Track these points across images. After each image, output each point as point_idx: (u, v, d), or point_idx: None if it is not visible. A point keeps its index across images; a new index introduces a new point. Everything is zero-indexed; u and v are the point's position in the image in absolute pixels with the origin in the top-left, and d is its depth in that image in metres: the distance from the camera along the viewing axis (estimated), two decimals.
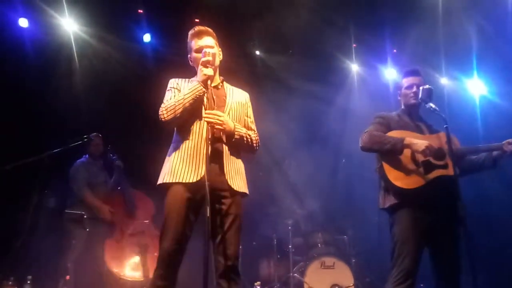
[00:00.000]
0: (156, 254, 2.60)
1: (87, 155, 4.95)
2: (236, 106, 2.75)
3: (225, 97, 2.76)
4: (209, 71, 2.58)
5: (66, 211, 4.63)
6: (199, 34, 2.76)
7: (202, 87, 2.57)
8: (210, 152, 2.46)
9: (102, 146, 4.99)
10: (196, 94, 2.57)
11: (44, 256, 4.74)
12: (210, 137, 2.50)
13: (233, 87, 2.89)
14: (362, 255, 5.55)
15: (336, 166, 6.08)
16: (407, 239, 2.85)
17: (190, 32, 2.80)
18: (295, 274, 5.16)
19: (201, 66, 2.60)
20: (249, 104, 2.88)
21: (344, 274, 5.01)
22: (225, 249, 2.52)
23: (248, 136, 2.72)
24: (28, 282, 4.26)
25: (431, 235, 2.89)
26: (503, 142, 2.96)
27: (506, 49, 5.78)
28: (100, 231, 4.63)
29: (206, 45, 2.71)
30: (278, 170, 6.30)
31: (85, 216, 4.59)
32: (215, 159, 2.56)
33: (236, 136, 2.63)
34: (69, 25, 5.72)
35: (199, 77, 2.60)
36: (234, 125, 2.64)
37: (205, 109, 2.59)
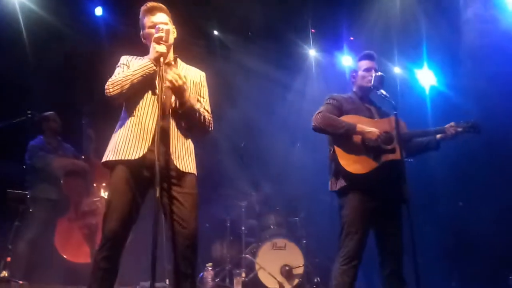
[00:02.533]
0: None
1: (41, 136, 4.74)
2: (189, 85, 2.65)
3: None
4: (161, 48, 2.50)
5: (9, 190, 4.44)
6: (152, 10, 2.67)
7: (152, 65, 2.49)
8: (157, 130, 2.36)
9: (59, 125, 4.81)
10: (146, 71, 2.49)
11: None
12: (160, 113, 2.39)
13: (188, 65, 2.80)
14: (313, 237, 5.67)
15: (291, 149, 6.14)
16: (354, 221, 2.94)
17: (142, 8, 2.69)
18: (247, 255, 5.22)
19: (154, 43, 2.51)
20: (204, 84, 2.79)
21: (294, 255, 5.11)
22: (181, 228, 2.44)
23: (202, 113, 2.64)
24: None
25: (377, 218, 3.00)
26: (445, 126, 3.10)
27: (454, 42, 6.00)
28: (56, 213, 4.52)
29: (159, 21, 2.62)
30: (233, 152, 6.29)
31: (28, 196, 4.42)
32: (162, 137, 2.46)
33: (188, 105, 2.53)
34: None
35: (151, 54, 2.53)
36: (190, 95, 2.57)
37: (155, 87, 2.51)
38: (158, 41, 2.51)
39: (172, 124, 2.55)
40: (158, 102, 2.43)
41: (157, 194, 2.23)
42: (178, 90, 2.47)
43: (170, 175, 2.51)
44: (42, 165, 4.53)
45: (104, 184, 4.74)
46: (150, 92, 2.55)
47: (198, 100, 2.71)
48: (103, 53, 5.24)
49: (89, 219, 4.54)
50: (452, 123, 3.09)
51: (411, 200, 2.73)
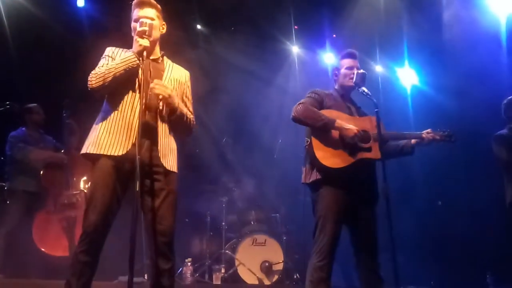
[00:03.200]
0: None
1: (23, 128, 4.66)
2: (173, 84, 2.67)
3: (163, 71, 2.68)
4: (144, 42, 2.49)
5: None
6: (140, 4, 2.66)
7: (136, 58, 2.48)
8: (142, 126, 2.36)
9: (42, 117, 4.73)
10: (129, 65, 2.47)
11: None
12: (144, 109, 2.40)
13: (174, 63, 2.80)
14: (293, 233, 5.70)
15: (273, 145, 6.15)
16: (328, 216, 2.94)
17: (134, 1, 2.69)
18: (227, 251, 5.22)
19: (137, 37, 2.51)
20: (189, 84, 2.81)
21: (274, 251, 5.12)
22: (158, 225, 2.46)
23: (188, 116, 2.67)
24: None
25: (350, 214, 3.00)
26: (422, 132, 3.15)
27: (435, 41, 6.08)
28: (34, 205, 4.47)
29: (145, 15, 2.61)
30: (215, 147, 6.28)
31: (5, 188, 4.37)
32: (147, 133, 2.48)
33: (178, 113, 2.57)
34: None
35: (134, 47, 2.52)
36: (178, 101, 2.59)
37: (139, 82, 2.51)
38: (141, 35, 2.50)
39: (159, 121, 2.55)
40: (140, 98, 2.42)
41: (137, 188, 2.23)
42: (168, 101, 2.50)
43: (154, 171, 2.52)
44: (21, 156, 4.46)
45: (85, 178, 4.69)
46: (135, 87, 2.54)
47: (183, 100, 2.72)
48: (86, 45, 5.16)
49: (68, 212, 4.50)
50: (429, 130, 3.14)
51: (390, 199, 2.74)
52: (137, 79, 2.53)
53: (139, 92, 2.48)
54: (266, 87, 6.75)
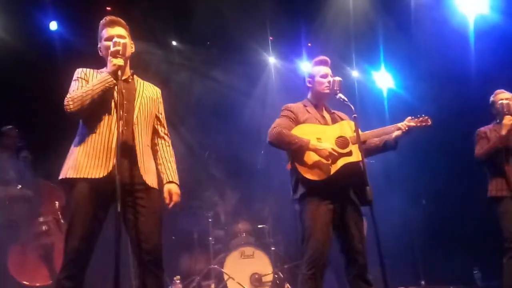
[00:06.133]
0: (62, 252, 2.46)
1: None
2: (146, 101, 2.67)
3: (135, 91, 2.67)
4: (119, 61, 2.47)
5: None
6: (110, 24, 2.65)
7: (112, 78, 2.46)
8: (121, 145, 2.35)
9: (17, 140, 4.61)
10: (106, 86, 2.46)
11: None
12: (121, 130, 2.39)
13: (144, 81, 2.79)
14: (281, 243, 5.68)
15: (255, 156, 6.15)
16: (314, 226, 2.94)
17: (102, 22, 2.68)
18: (215, 266, 5.17)
19: (111, 57, 2.49)
20: (161, 100, 2.81)
21: (263, 263, 5.11)
22: (144, 243, 2.43)
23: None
24: None
25: (337, 221, 3.00)
26: (398, 124, 3.13)
27: (409, 43, 6.19)
28: (4, 237, 4.31)
29: (117, 34, 2.60)
30: (197, 163, 6.25)
31: None
32: (126, 153, 2.46)
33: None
34: None
35: (109, 67, 2.49)
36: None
37: (115, 103, 2.50)
38: (115, 54, 2.49)
39: (138, 139, 2.55)
40: (117, 119, 2.42)
41: (118, 209, 2.21)
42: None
43: (136, 189, 2.50)
44: None
45: (57, 203, 4.60)
46: (111, 108, 2.52)
47: (156, 117, 2.75)
48: (58, 68, 5.10)
49: (43, 240, 4.39)
50: (409, 118, 3.14)
51: (373, 202, 2.76)
52: (112, 100, 2.52)
53: (116, 113, 2.46)
54: (245, 99, 6.77)
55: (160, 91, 2.84)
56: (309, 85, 3.32)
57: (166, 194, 2.63)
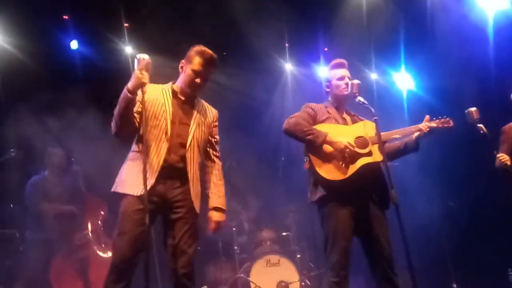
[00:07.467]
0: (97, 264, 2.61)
1: (45, 172, 4.78)
2: (202, 128, 2.74)
3: (192, 114, 2.73)
4: (144, 78, 2.46)
5: None
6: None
7: (127, 91, 2.47)
8: (168, 167, 2.53)
9: (62, 157, 4.84)
10: (123, 97, 2.50)
11: None
12: (169, 154, 2.55)
13: (206, 104, 2.87)
14: (306, 250, 5.64)
15: (276, 164, 6.14)
16: (336, 231, 2.90)
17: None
18: (242, 275, 5.17)
19: (137, 71, 2.48)
20: (216, 124, 2.90)
21: (289, 271, 5.08)
22: (179, 257, 2.53)
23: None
24: None
25: (360, 224, 2.96)
26: (419, 125, 3.09)
27: (429, 43, 6.10)
28: (50, 252, 4.53)
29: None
30: None
31: (17, 235, 4.44)
32: (176, 175, 2.59)
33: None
34: None
35: (130, 82, 2.51)
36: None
37: (166, 123, 2.59)
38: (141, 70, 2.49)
39: (190, 165, 2.64)
40: (167, 139, 2.56)
41: (147, 222, 2.34)
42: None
43: (178, 206, 2.62)
44: (33, 209, 4.61)
45: (100, 216, 4.81)
46: (162, 128, 2.60)
47: (209, 141, 2.82)
48: (81, 86, 5.19)
49: (80, 253, 4.59)
50: (427, 117, 3.11)
51: (399, 204, 2.70)
52: (165, 122, 2.60)
53: (165, 133, 2.56)
54: (263, 107, 6.79)
55: (217, 114, 2.91)
56: (327, 89, 3.32)
57: (209, 220, 2.76)
